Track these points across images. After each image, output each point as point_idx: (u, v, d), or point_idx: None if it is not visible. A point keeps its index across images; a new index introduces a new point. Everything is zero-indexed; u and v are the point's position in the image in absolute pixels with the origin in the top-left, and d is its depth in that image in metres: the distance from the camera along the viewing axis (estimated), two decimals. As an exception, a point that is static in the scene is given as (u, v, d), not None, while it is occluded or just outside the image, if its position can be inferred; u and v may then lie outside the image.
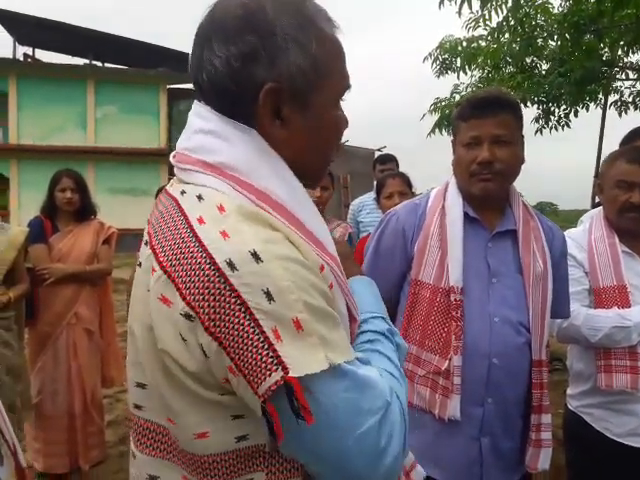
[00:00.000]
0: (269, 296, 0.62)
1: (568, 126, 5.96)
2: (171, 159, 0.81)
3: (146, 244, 0.73)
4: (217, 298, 0.62)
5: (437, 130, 6.01)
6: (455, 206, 1.42)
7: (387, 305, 1.48)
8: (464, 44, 5.53)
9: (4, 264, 2.56)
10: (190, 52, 0.79)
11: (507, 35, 4.94)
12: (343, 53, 0.81)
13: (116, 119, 17.20)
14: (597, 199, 2.04)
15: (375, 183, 3.30)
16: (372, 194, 3.47)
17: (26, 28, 16.96)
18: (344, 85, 0.82)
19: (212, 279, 0.62)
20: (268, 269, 0.63)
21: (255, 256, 0.62)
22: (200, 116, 0.78)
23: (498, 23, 4.63)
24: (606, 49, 5.39)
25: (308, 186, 0.89)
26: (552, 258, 1.43)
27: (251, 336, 0.61)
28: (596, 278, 1.72)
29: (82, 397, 3.05)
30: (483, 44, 5.50)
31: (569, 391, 1.87)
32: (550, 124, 6.03)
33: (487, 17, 4.51)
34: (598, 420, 1.71)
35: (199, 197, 0.70)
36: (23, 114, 16.63)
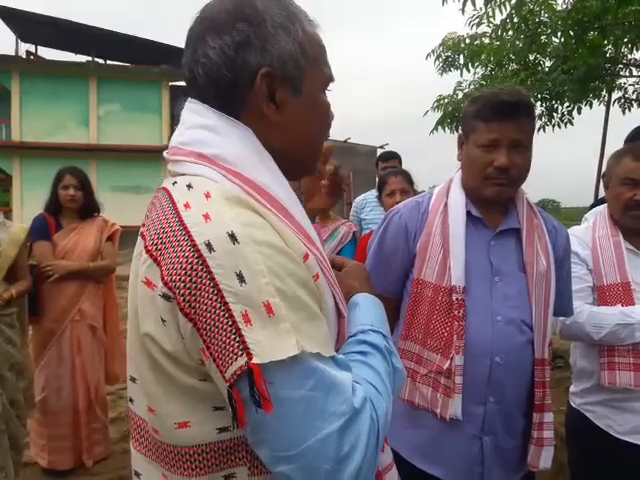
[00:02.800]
0: (241, 278, 0.61)
1: (571, 123, 5.94)
2: (164, 154, 0.82)
3: (140, 235, 0.75)
4: (193, 279, 0.63)
5: (439, 127, 6.00)
6: (458, 204, 1.42)
7: (389, 303, 1.50)
8: (467, 41, 5.51)
9: (5, 261, 2.57)
10: (183, 54, 0.81)
11: (510, 32, 4.92)
12: (324, 47, 0.85)
13: (119, 116, 17.20)
14: (599, 196, 2.04)
15: (377, 180, 3.29)
16: (374, 191, 3.47)
17: (29, 25, 16.97)
18: (329, 74, 0.86)
19: (190, 260, 0.63)
20: (243, 251, 0.63)
21: (232, 237, 0.63)
22: (196, 112, 0.80)
23: (501, 20, 4.60)
24: (610, 46, 5.35)
25: (297, 177, 0.90)
26: (555, 256, 1.43)
27: (221, 319, 0.61)
28: (600, 276, 1.71)
29: (86, 393, 3.07)
30: (486, 41, 5.49)
31: (572, 388, 1.87)
32: (553, 121, 6.01)
33: (490, 14, 4.49)
34: (601, 418, 1.71)
35: (189, 186, 0.72)
36: (26, 111, 16.63)
